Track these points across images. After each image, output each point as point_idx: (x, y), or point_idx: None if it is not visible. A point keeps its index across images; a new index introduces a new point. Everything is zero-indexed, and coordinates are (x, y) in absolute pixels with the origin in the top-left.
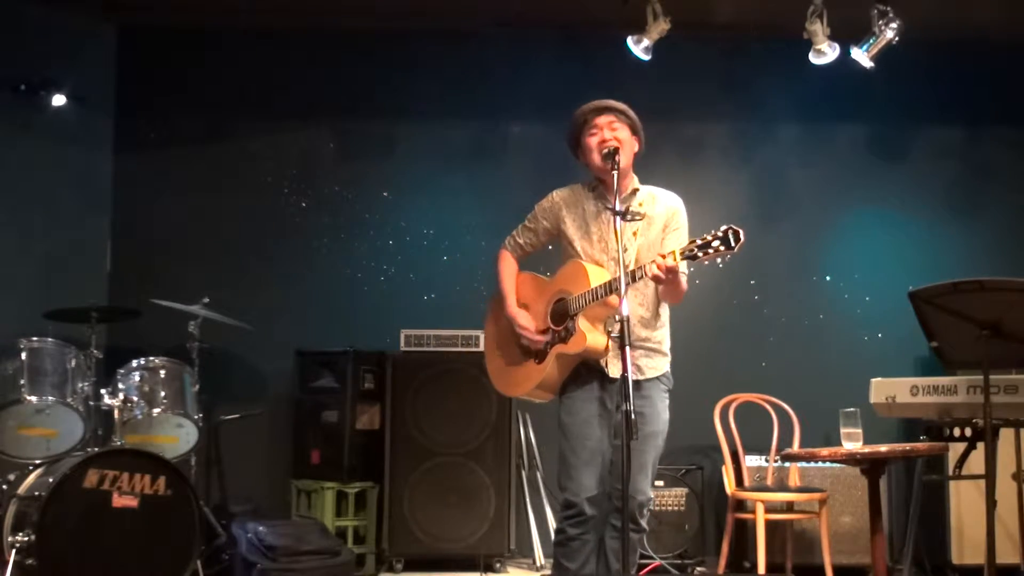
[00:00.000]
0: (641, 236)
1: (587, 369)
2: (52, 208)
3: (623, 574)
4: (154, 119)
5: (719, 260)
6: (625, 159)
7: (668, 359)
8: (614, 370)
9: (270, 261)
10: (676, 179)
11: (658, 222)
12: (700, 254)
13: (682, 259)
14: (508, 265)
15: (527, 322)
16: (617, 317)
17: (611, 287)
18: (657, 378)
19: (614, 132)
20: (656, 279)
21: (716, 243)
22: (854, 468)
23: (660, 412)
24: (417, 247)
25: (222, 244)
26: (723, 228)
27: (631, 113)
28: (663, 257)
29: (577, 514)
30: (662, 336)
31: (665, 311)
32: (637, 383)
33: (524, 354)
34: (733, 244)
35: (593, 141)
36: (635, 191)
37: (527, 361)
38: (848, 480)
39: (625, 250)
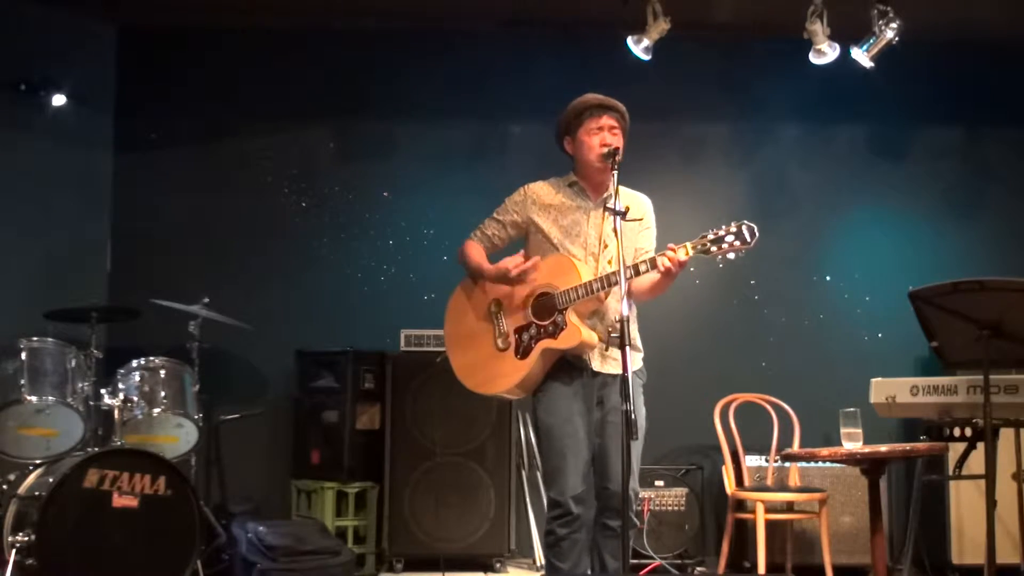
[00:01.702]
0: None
1: (565, 365)
2: (52, 208)
3: (623, 574)
4: (154, 119)
5: (732, 255)
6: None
7: (642, 354)
8: (596, 364)
9: (270, 261)
10: (676, 179)
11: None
12: (713, 248)
13: (695, 253)
14: (477, 250)
15: (513, 261)
16: (616, 317)
17: (606, 281)
18: (635, 372)
19: (615, 137)
20: (668, 272)
21: (730, 238)
22: (854, 468)
23: (640, 407)
24: (417, 247)
25: (222, 244)
26: (736, 223)
27: (627, 116)
28: (673, 251)
29: (564, 514)
30: (635, 331)
31: (634, 307)
32: (624, 380)
33: (502, 348)
34: (749, 239)
35: (595, 141)
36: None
37: (506, 355)
38: (848, 480)
39: (606, 247)
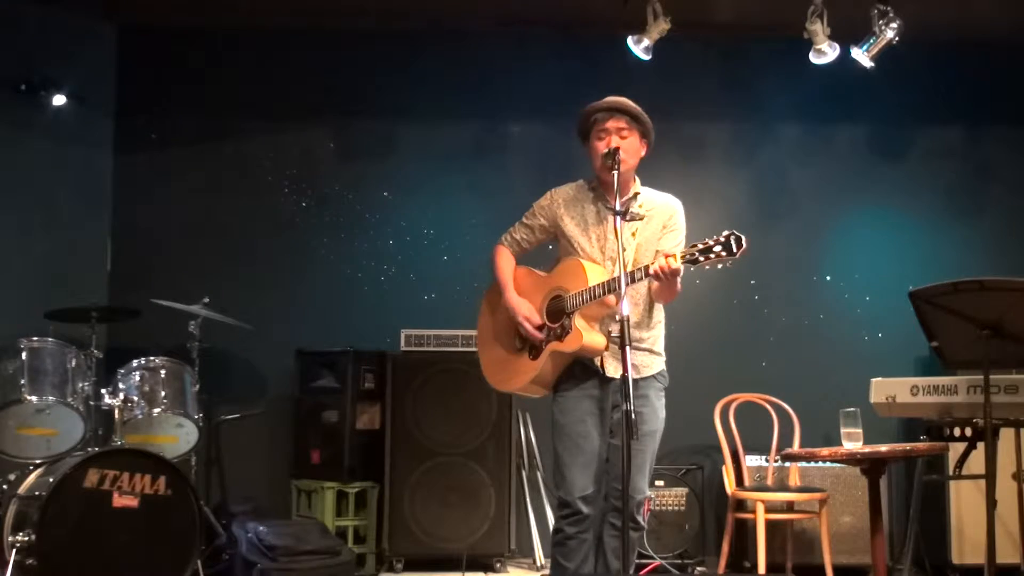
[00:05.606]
0: (639, 236)
1: (582, 367)
2: (52, 208)
3: (623, 573)
4: (154, 119)
5: (720, 266)
6: (628, 163)
7: (662, 359)
8: (610, 369)
9: (270, 261)
10: (676, 179)
11: (656, 223)
12: (701, 258)
13: (682, 263)
14: (506, 258)
15: (530, 312)
16: (617, 317)
17: (609, 287)
18: (653, 376)
19: (623, 140)
20: (656, 276)
21: (718, 248)
22: (854, 468)
23: (657, 411)
24: (417, 247)
25: (222, 244)
26: (725, 233)
27: (644, 117)
28: (666, 258)
29: (573, 513)
30: (656, 336)
31: (660, 312)
32: (634, 382)
33: (519, 348)
34: (735, 250)
35: (600, 145)
36: (636, 194)
37: (521, 356)
38: (848, 480)
39: (624, 249)
